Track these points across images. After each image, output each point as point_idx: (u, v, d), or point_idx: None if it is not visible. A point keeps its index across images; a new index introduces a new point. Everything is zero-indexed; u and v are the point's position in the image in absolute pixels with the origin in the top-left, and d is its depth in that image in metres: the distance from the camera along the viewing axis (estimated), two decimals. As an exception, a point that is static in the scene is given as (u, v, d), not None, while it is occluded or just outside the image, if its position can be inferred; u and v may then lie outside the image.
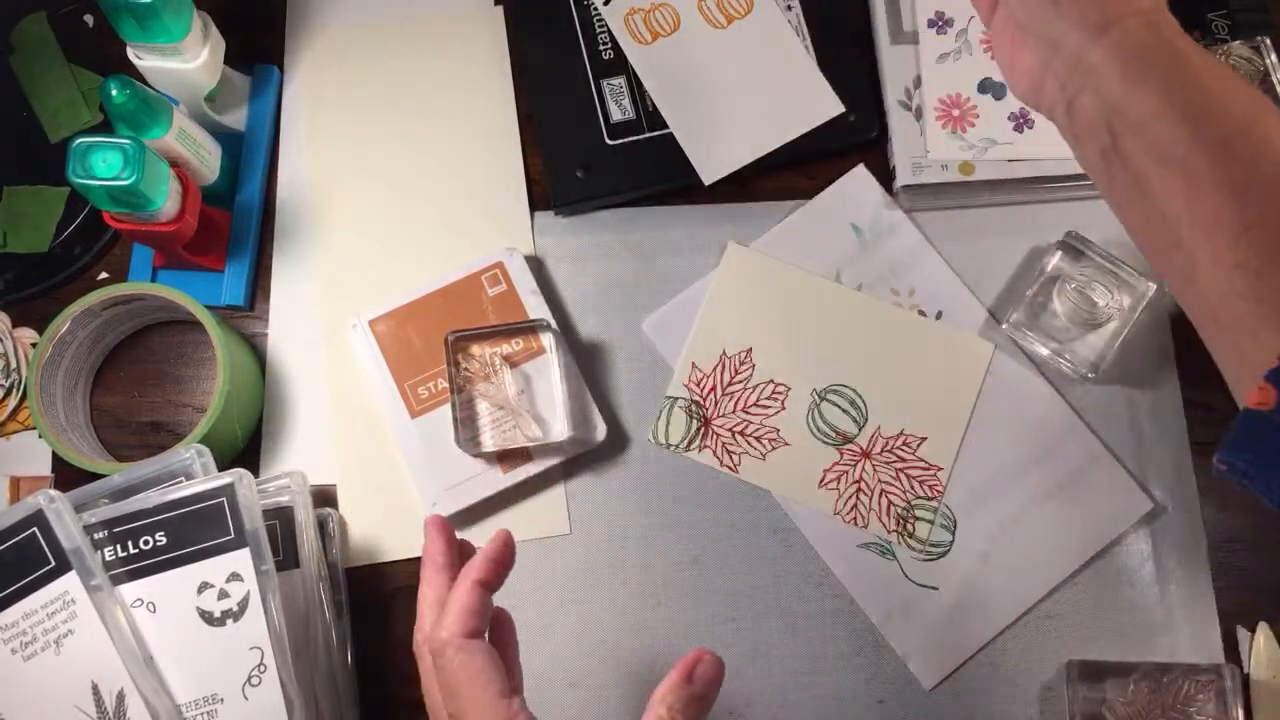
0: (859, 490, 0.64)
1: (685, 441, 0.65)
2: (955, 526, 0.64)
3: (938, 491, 0.64)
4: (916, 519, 0.64)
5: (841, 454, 0.65)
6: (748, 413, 0.65)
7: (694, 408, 0.65)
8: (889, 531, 0.64)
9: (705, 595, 0.63)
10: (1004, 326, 0.66)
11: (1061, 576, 0.63)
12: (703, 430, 0.65)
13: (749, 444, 0.65)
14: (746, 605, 0.63)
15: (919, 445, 0.65)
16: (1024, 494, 0.64)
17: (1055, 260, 0.65)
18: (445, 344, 0.63)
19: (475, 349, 0.64)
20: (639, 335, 0.67)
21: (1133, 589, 0.63)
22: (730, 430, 0.65)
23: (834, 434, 0.65)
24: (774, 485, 0.64)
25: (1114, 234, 0.66)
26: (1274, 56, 0.65)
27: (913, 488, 0.64)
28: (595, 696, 0.62)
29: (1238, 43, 0.65)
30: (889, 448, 0.65)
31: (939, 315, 0.66)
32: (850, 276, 0.67)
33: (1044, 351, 0.65)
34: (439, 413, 0.63)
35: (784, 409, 0.65)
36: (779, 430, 0.65)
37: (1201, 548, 0.63)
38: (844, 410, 0.65)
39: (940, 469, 0.64)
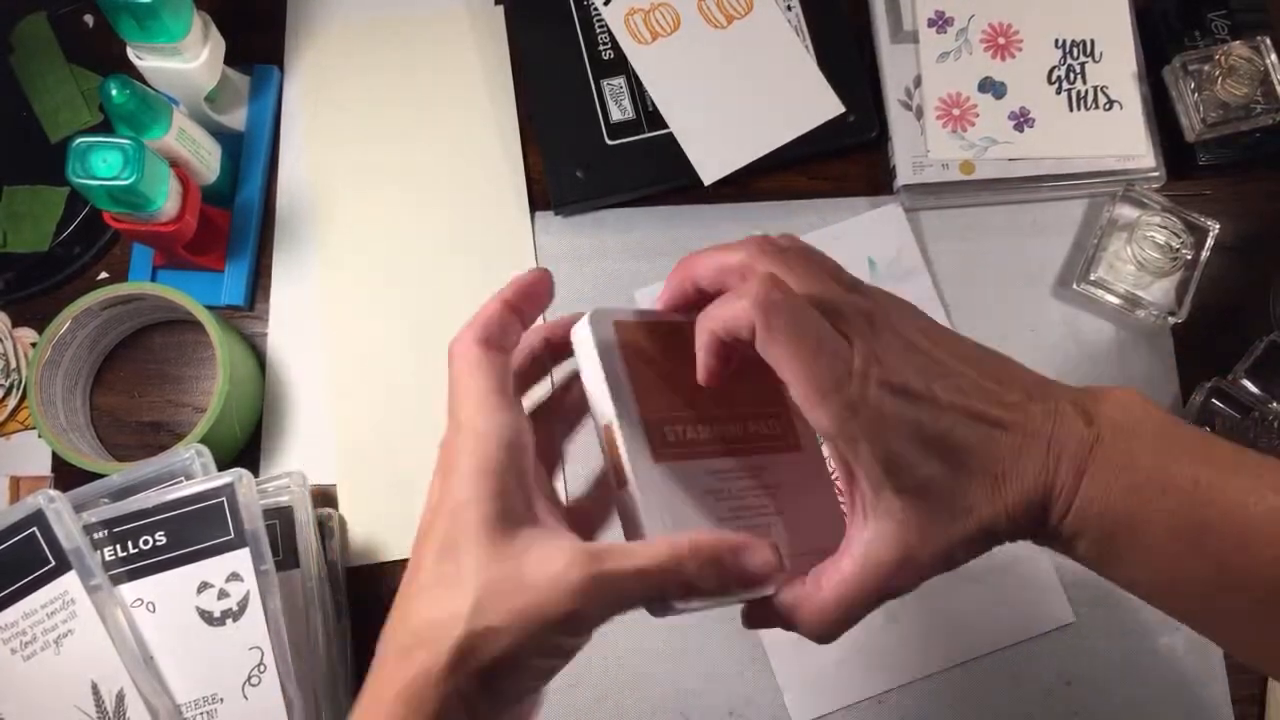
0: None
1: None
2: None
3: None
4: None
5: None
6: None
7: None
8: None
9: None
10: (1076, 286, 0.65)
11: (965, 657, 0.61)
12: None
13: None
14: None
15: None
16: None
17: (1122, 210, 0.65)
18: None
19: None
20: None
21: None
22: None
23: None
24: None
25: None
26: (1274, 56, 0.65)
27: None
28: (596, 695, 0.62)
29: (1238, 43, 0.65)
30: None
31: None
32: None
33: (1117, 302, 0.65)
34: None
35: None
36: None
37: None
38: None
39: None
